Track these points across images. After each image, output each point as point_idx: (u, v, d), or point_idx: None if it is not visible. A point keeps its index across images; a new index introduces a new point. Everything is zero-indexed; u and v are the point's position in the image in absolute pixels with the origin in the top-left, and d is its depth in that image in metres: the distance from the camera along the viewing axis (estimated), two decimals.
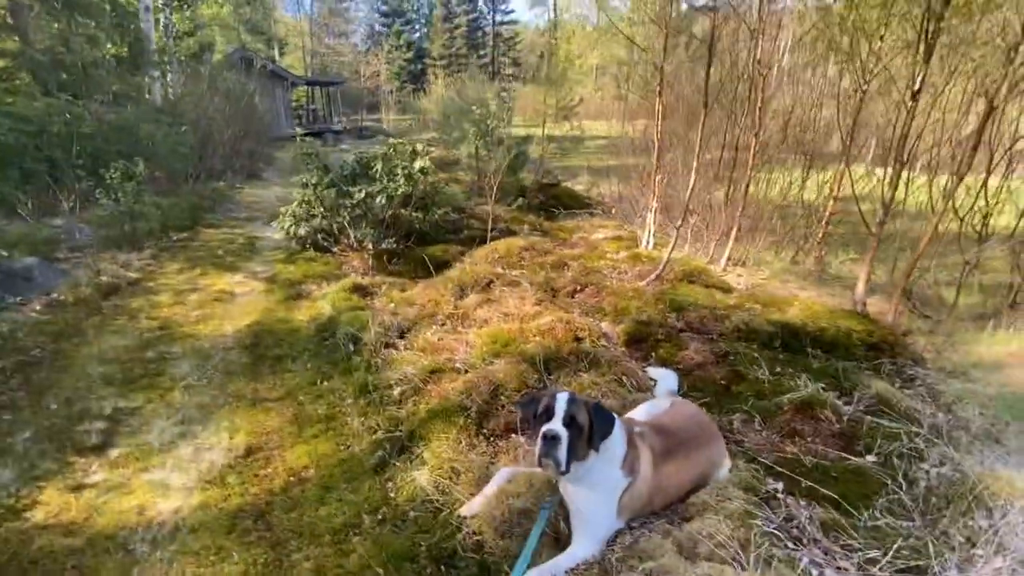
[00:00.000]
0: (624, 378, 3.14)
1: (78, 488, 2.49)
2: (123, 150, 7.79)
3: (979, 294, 4.92)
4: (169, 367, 3.64)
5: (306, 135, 22.82)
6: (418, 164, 5.15)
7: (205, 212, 8.21)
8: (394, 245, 5.52)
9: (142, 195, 6.37)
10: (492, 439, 2.54)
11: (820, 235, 6.06)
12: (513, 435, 2.58)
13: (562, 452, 1.85)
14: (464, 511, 2.12)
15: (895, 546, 1.93)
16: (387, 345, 3.56)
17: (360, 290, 4.52)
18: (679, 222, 5.02)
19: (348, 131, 25.38)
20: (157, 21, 13.92)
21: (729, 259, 5.35)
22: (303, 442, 2.78)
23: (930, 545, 1.96)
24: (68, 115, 7.40)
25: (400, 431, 2.70)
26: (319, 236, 5.92)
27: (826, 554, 1.97)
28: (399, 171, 5.12)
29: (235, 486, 2.49)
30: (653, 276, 4.61)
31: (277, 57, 31.95)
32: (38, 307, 4.51)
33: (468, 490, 2.22)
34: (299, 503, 2.37)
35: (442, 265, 5.39)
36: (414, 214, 5.73)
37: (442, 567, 1.98)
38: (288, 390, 3.31)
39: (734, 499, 2.11)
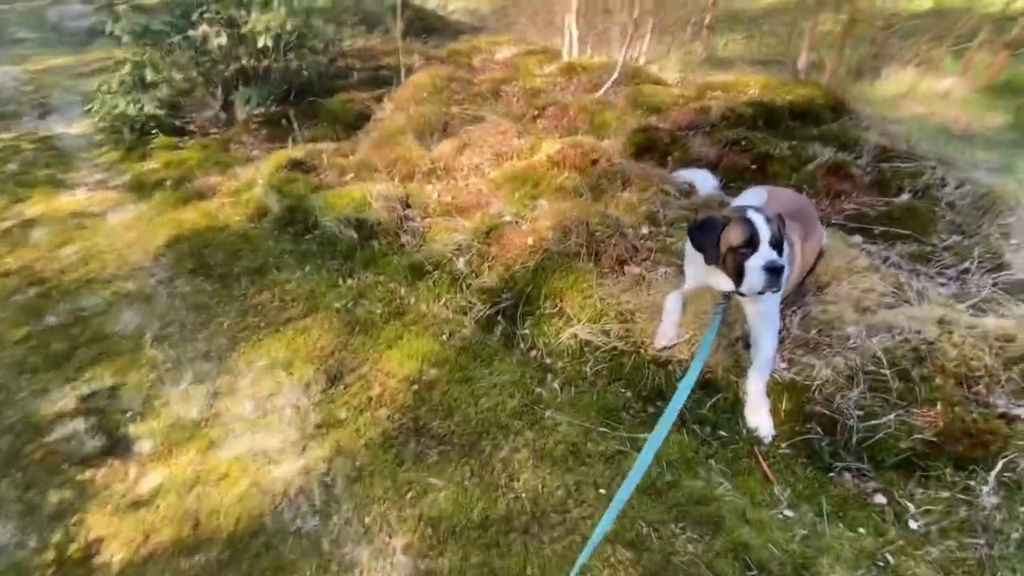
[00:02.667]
0: (667, 187, 3.07)
1: (136, 505, 1.81)
2: None
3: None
4: (104, 328, 2.62)
5: None
6: None
7: None
8: (277, 105, 4.31)
9: None
10: (615, 275, 2.36)
11: (706, 21, 6.18)
12: (626, 266, 2.43)
13: (784, 278, 1.73)
14: (659, 343, 2.01)
15: (974, 255, 2.34)
16: (404, 219, 2.93)
17: (299, 166, 3.53)
18: (635, 15, 4.61)
19: None
20: None
21: (640, 56, 5.23)
22: (387, 347, 2.31)
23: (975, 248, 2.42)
24: None
25: (505, 298, 2.36)
26: (164, 113, 4.34)
27: (931, 276, 2.32)
28: None
29: (356, 418, 2.03)
30: (609, 83, 4.33)
31: None
32: None
33: (647, 325, 2.09)
34: (449, 406, 2.03)
35: (360, 119, 4.42)
36: (292, 59, 4.43)
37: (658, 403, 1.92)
38: (306, 300, 2.63)
39: (853, 257, 2.30)
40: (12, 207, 3.78)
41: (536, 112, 4.20)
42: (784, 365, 1.92)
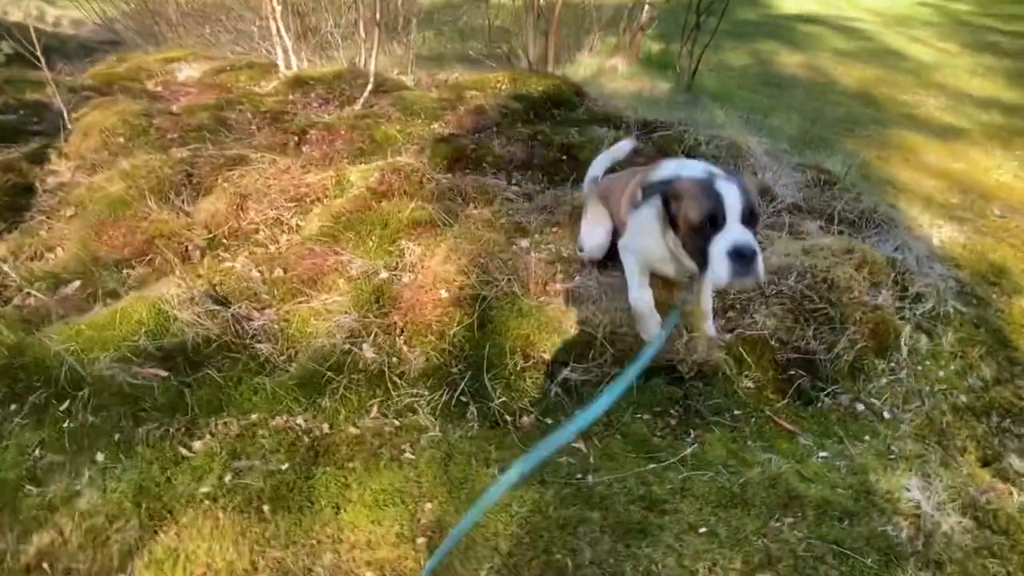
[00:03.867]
0: (507, 194, 2.96)
1: None
2: None
3: None
4: None
5: None
6: None
7: None
8: None
9: None
10: (547, 299, 2.14)
11: (412, 21, 6.10)
12: (548, 286, 2.23)
13: (759, 264, 1.45)
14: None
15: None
16: (238, 321, 1.99)
17: None
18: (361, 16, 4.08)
19: None
20: None
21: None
22: (335, 513, 1.59)
23: None
24: None
25: (457, 373, 1.88)
26: None
27: None
28: None
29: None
30: (367, 93, 3.85)
31: None
32: None
33: (635, 340, 1.96)
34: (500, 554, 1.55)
35: (19, 194, 2.84)
36: None
37: None
38: (137, 510, 1.57)
39: None
40: None
41: (296, 139, 3.46)
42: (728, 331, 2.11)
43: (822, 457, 1.80)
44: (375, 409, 1.85)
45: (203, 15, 6.13)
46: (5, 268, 2.20)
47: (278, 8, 4.13)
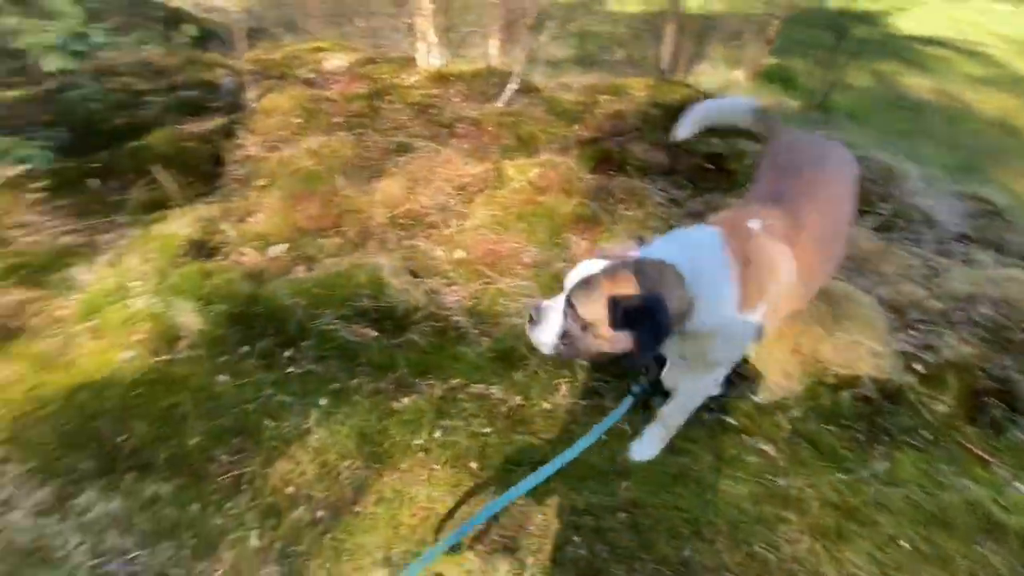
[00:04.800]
0: (656, 197, 3.03)
1: None
2: None
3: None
4: None
5: None
6: None
7: None
8: (55, 155, 2.76)
9: None
10: None
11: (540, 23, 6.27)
12: None
13: (537, 328, 1.35)
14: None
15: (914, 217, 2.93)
16: (433, 294, 2.17)
17: (199, 250, 2.30)
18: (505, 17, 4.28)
19: None
20: None
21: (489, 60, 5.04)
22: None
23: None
24: None
25: None
26: None
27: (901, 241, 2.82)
28: None
29: None
30: (510, 92, 4.02)
31: None
32: None
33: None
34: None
35: (214, 163, 3.17)
36: (74, 87, 2.88)
37: None
38: (360, 451, 1.76)
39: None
40: None
41: (446, 131, 3.66)
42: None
43: (1017, 488, 1.76)
44: (563, 388, 1.96)
45: (337, 9, 6.54)
46: (224, 227, 2.47)
47: (429, 7, 4.37)
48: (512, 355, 2.02)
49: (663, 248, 1.37)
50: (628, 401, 1.54)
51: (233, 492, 1.67)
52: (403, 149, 3.21)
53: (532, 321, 1.37)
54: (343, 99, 3.94)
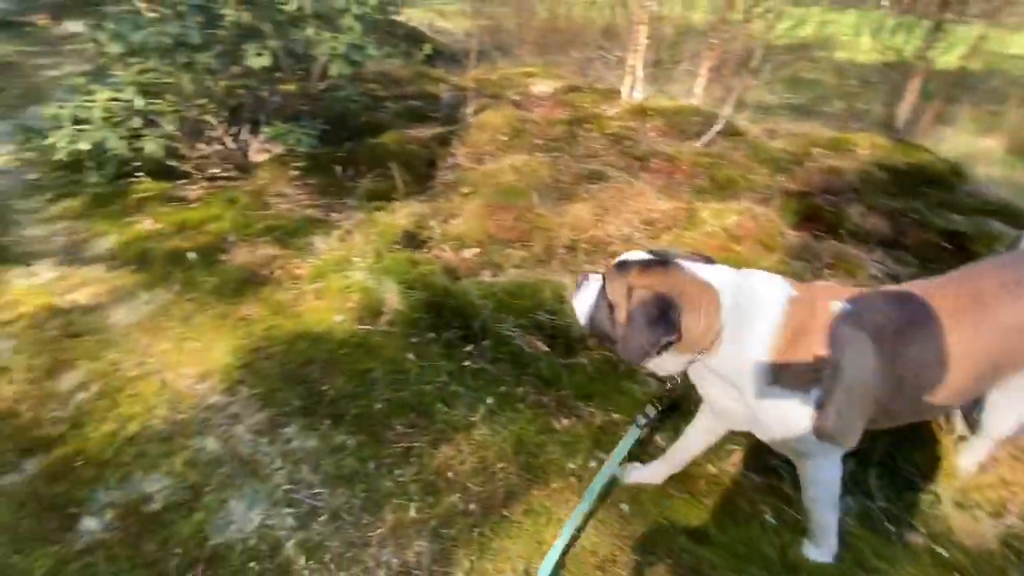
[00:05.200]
0: (873, 271, 2.67)
1: None
2: None
3: None
4: (207, 539, 1.61)
5: None
6: None
7: None
8: (317, 142, 3.31)
9: None
10: None
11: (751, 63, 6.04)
12: None
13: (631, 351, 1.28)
14: None
15: None
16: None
17: (410, 240, 2.63)
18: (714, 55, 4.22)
19: None
20: None
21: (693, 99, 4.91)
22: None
23: None
24: None
25: None
26: (163, 149, 3.13)
27: None
28: (349, 7, 2.80)
29: None
30: (713, 132, 3.91)
31: None
32: None
33: None
34: None
35: (429, 166, 3.58)
36: (341, 89, 3.48)
37: None
38: (515, 459, 1.82)
39: None
40: None
41: (638, 163, 3.66)
42: None
43: None
44: (736, 456, 1.81)
45: (551, 39, 6.96)
46: (432, 224, 2.75)
47: (644, 43, 4.45)
48: (683, 403, 1.92)
49: (719, 271, 1.29)
50: (634, 433, 1.50)
51: (403, 461, 1.83)
52: (596, 177, 3.29)
53: (577, 289, 1.43)
54: (545, 122, 4.17)
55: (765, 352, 1.23)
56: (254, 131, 3.43)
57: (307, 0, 2.66)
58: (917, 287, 1.37)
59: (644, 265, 1.30)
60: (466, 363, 2.15)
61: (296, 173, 3.30)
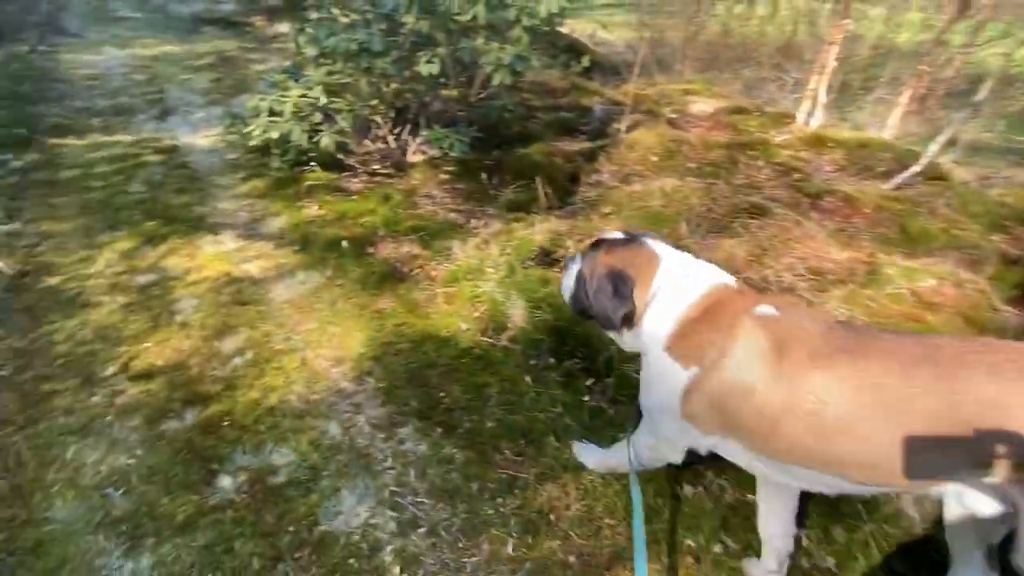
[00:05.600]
0: None
1: None
2: None
3: None
4: (318, 524, 1.69)
5: None
6: (548, 5, 2.89)
7: (32, 103, 4.74)
8: (468, 148, 3.37)
9: None
10: None
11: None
12: None
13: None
14: None
15: None
16: None
17: (545, 257, 2.59)
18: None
19: None
20: None
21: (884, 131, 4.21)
22: None
23: None
24: None
25: None
26: (335, 144, 3.43)
27: None
28: (520, 19, 2.83)
29: None
30: (906, 175, 3.32)
31: None
32: None
33: None
34: None
35: (572, 180, 3.50)
36: (499, 98, 3.54)
37: None
38: (627, 519, 1.65)
39: None
40: (144, 252, 2.92)
41: (808, 201, 3.22)
42: None
43: None
44: None
45: (717, 54, 6.52)
46: (568, 243, 2.66)
47: (832, 64, 3.93)
48: (840, 508, 1.61)
49: (679, 256, 1.42)
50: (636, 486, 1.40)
51: (506, 491, 1.76)
52: (756, 211, 2.95)
53: (564, 269, 1.59)
54: (703, 145, 3.87)
55: (672, 322, 1.32)
56: (414, 132, 3.63)
57: (481, 11, 2.71)
58: (875, 331, 1.29)
59: (612, 243, 1.47)
60: (585, 398, 2.02)
61: (446, 177, 3.42)
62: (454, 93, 3.73)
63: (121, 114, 4.90)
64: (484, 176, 3.37)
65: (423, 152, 3.69)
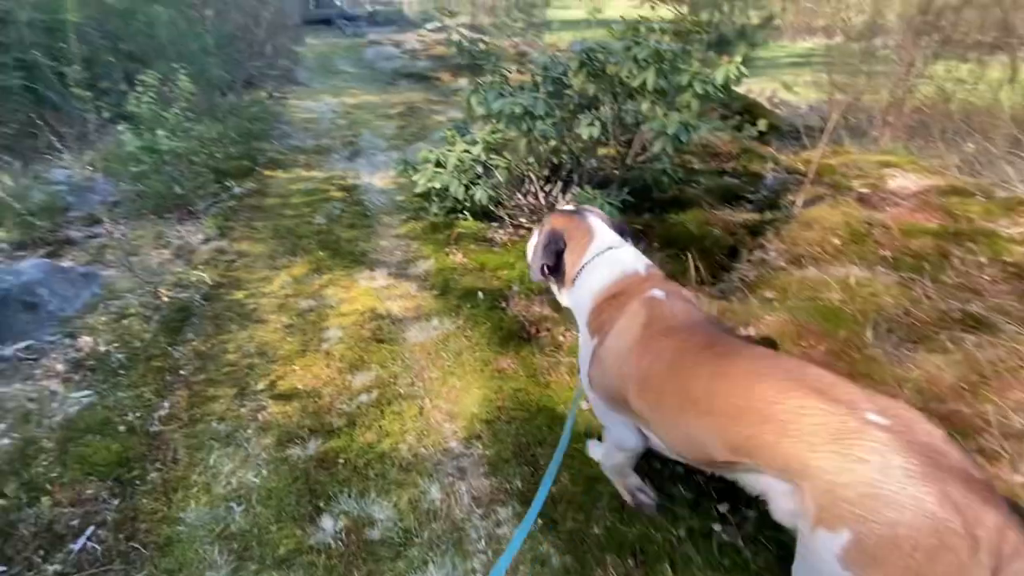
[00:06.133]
0: None
1: None
2: (131, 50, 5.19)
3: None
4: None
5: (314, 22, 19.02)
6: (727, 72, 2.70)
7: (258, 140, 5.76)
8: (616, 213, 3.20)
9: (183, 125, 3.98)
10: None
11: None
12: None
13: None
14: None
15: None
16: None
17: None
18: None
19: (361, 17, 21.44)
20: None
21: None
22: None
23: None
24: None
25: None
26: (488, 197, 3.54)
27: None
28: (692, 84, 2.68)
29: None
30: None
31: None
32: (56, 382, 2.39)
33: None
34: None
35: (730, 254, 3.17)
36: (658, 161, 3.38)
37: None
38: None
39: None
40: (311, 279, 3.25)
41: None
42: None
43: None
44: None
45: (924, 122, 5.60)
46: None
47: None
48: None
49: (608, 232, 1.70)
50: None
51: None
52: (974, 323, 2.34)
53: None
54: (901, 230, 3.26)
55: (591, 298, 1.59)
56: (565, 189, 3.61)
57: (651, 78, 2.61)
58: (733, 337, 1.50)
59: (561, 212, 1.78)
60: (715, 526, 1.69)
61: None
62: (611, 151, 3.66)
63: (321, 153, 5.71)
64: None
65: None
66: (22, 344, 2.54)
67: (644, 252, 3.26)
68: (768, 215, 3.54)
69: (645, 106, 2.87)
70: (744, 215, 3.53)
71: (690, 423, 1.25)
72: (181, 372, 2.50)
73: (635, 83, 2.72)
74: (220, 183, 4.47)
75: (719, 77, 2.69)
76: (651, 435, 1.46)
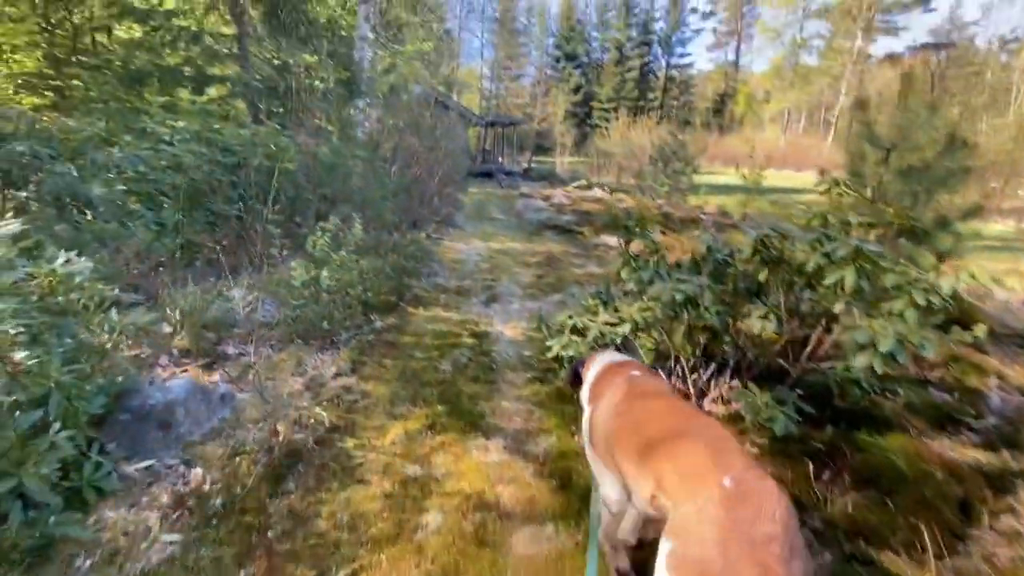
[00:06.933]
0: None
1: None
2: (326, 193, 6.05)
3: None
4: None
5: (477, 174, 21.67)
6: (953, 283, 2.16)
7: (409, 276, 6.14)
8: (793, 427, 2.55)
9: (347, 264, 4.31)
10: None
11: None
12: None
13: None
14: None
15: None
16: None
17: None
18: None
19: (517, 172, 24.14)
20: None
21: None
22: None
23: None
24: (273, 146, 5.79)
25: None
26: None
27: None
28: (911, 292, 2.17)
29: None
30: None
31: (455, 98, 32.53)
32: (156, 516, 2.29)
33: None
34: None
35: (962, 514, 2.30)
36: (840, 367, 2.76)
37: None
38: None
39: None
40: (424, 438, 3.00)
41: None
42: None
43: None
44: None
45: None
46: None
47: None
48: None
49: (608, 355, 2.41)
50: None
51: None
52: None
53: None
54: None
55: (589, 384, 2.26)
56: (717, 376, 3.09)
57: (851, 278, 2.16)
58: (677, 399, 1.99)
59: (588, 355, 2.60)
60: None
61: (750, 447, 2.68)
62: (776, 336, 3.12)
63: (461, 294, 5.88)
64: (809, 465, 2.49)
65: (725, 403, 3.07)
66: (144, 464, 2.55)
67: (830, 483, 2.53)
68: (1005, 452, 2.63)
69: (839, 307, 2.38)
70: (971, 451, 2.66)
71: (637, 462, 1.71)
72: (268, 534, 2.26)
73: (827, 281, 2.27)
74: (366, 315, 4.69)
75: (945, 286, 2.15)
76: (632, 493, 1.79)
